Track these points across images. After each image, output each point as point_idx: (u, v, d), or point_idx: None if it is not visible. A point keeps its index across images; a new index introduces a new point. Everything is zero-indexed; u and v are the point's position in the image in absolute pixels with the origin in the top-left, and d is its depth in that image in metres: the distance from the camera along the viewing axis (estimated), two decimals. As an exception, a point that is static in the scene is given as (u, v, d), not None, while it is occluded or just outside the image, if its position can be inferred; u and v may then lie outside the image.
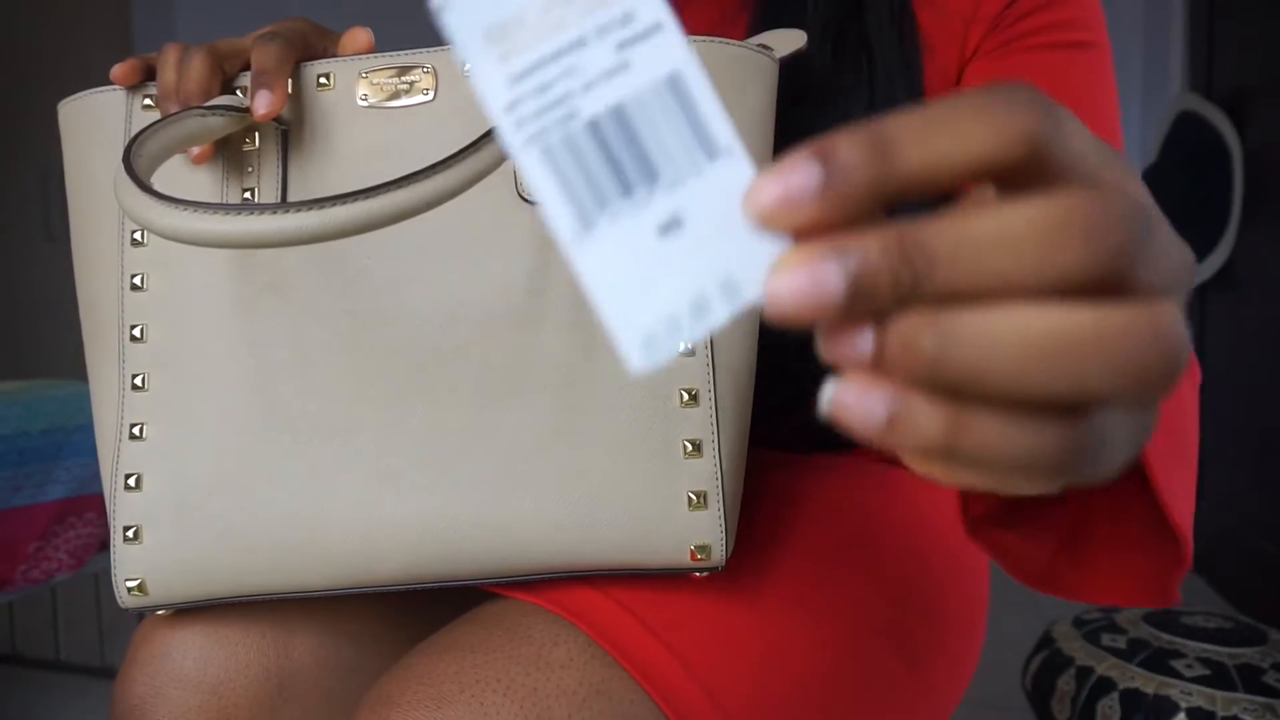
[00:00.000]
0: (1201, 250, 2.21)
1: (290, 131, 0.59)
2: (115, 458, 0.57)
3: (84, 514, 1.27)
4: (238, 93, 0.59)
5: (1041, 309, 0.23)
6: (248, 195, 0.59)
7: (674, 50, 0.25)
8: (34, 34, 1.84)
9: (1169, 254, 0.25)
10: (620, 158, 0.25)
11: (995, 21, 0.69)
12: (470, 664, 0.53)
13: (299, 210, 0.44)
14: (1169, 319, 0.24)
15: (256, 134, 0.59)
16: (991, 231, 0.24)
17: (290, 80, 0.58)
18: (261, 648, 0.63)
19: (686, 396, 0.56)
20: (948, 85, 0.70)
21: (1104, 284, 0.24)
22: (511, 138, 0.25)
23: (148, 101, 0.60)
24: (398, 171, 0.51)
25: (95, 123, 0.60)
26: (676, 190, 0.25)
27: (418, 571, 0.57)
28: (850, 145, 0.24)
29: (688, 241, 0.25)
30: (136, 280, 0.58)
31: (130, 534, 0.56)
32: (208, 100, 0.57)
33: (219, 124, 0.56)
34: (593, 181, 0.25)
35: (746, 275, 0.25)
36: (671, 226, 0.25)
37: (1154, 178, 2.29)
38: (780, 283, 0.24)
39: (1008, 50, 0.69)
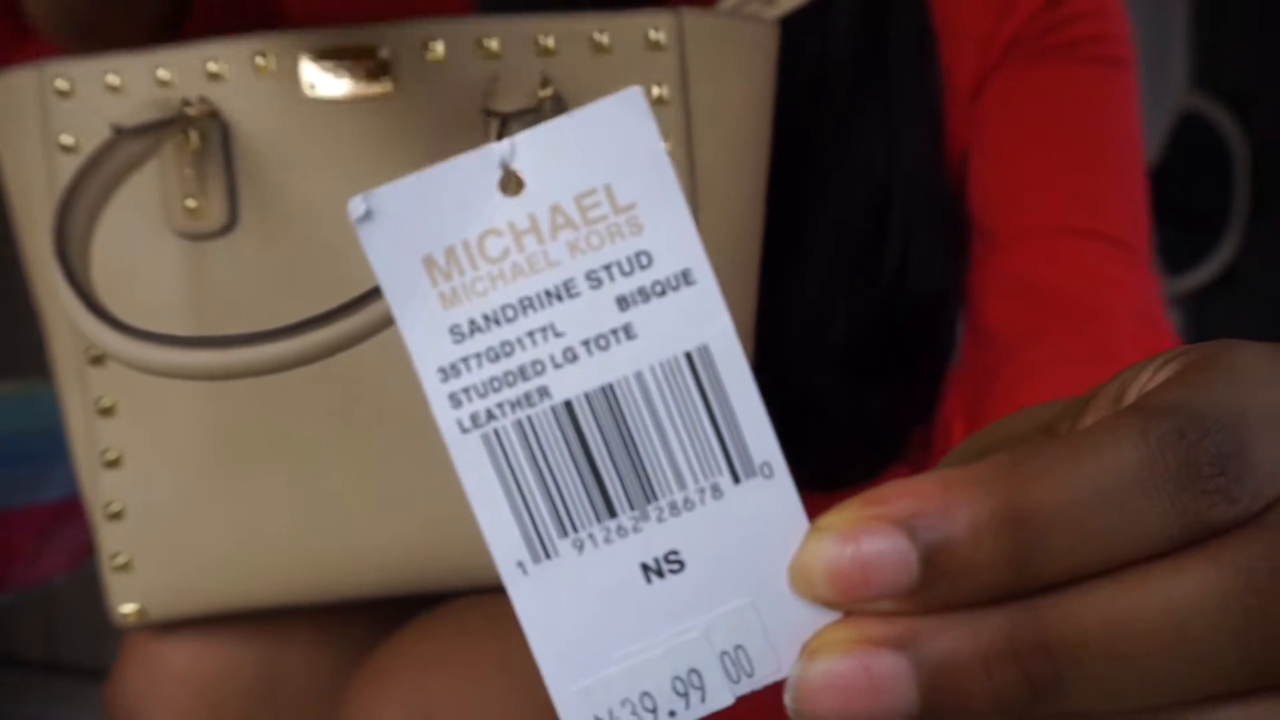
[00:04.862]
0: (1203, 252, 2.13)
1: (231, 127, 0.49)
2: (94, 485, 0.53)
3: (81, 515, 1.22)
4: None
5: None
6: (191, 206, 0.48)
7: (706, 315, 0.16)
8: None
9: None
10: (602, 463, 0.16)
11: (1020, 33, 0.62)
12: (468, 631, 0.50)
13: (273, 340, 0.37)
14: None
15: (194, 132, 0.48)
16: (1159, 623, 0.15)
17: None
18: (254, 647, 0.59)
19: None
20: (964, 111, 0.63)
21: None
22: (445, 416, 0.16)
23: (62, 85, 0.48)
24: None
25: (9, 110, 0.49)
26: (679, 518, 0.16)
27: (412, 581, 0.53)
28: (978, 534, 0.15)
29: (683, 591, 0.16)
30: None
31: (119, 563, 0.53)
32: None
33: (153, 144, 0.46)
34: (555, 492, 0.16)
35: (764, 647, 0.16)
36: (663, 567, 0.16)
37: (1155, 178, 2.22)
38: (817, 675, 0.15)
39: (1044, 59, 0.61)
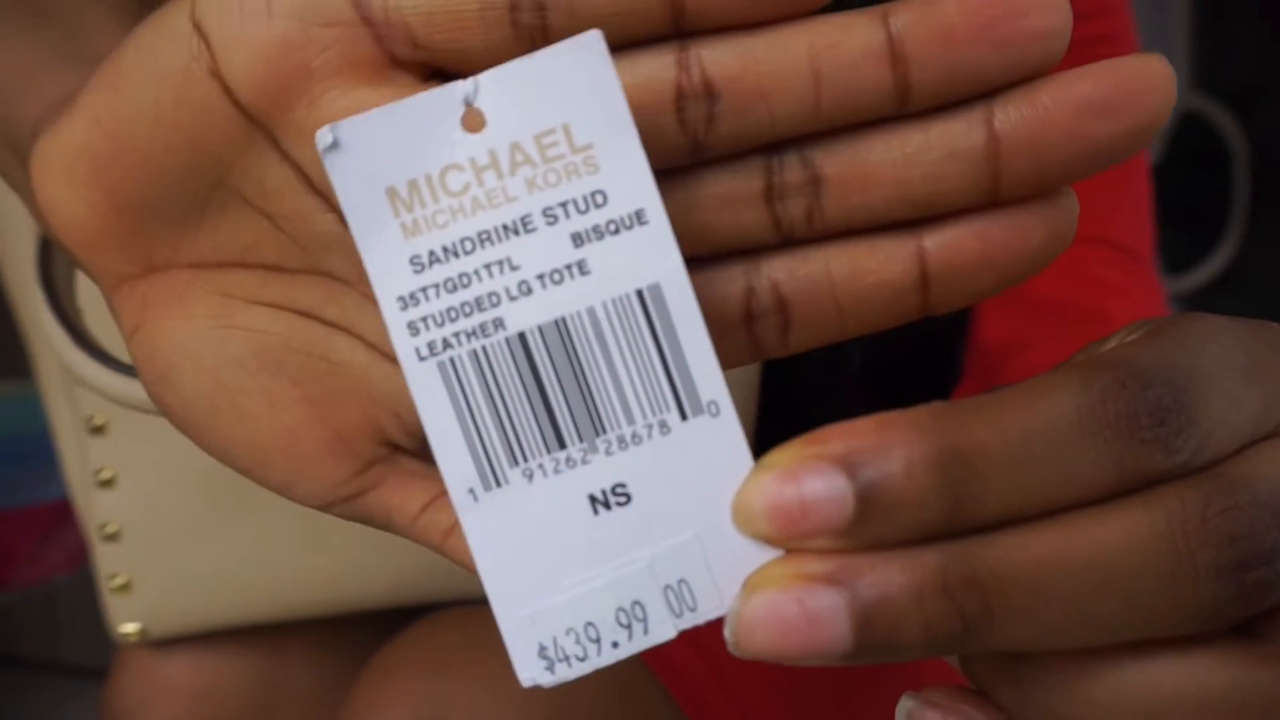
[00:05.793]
0: (1203, 252, 2.12)
1: None
2: (88, 506, 0.51)
3: (82, 515, 1.21)
4: None
5: None
6: None
7: (658, 254, 0.17)
8: None
9: None
10: (553, 394, 0.17)
11: None
12: (476, 632, 0.48)
13: None
14: None
15: None
16: (1088, 562, 0.16)
17: None
18: (252, 657, 0.58)
19: None
20: None
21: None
22: (403, 344, 0.17)
23: None
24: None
25: None
26: (627, 452, 0.17)
27: (413, 593, 0.53)
28: (912, 472, 0.15)
29: (629, 524, 0.17)
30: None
31: (117, 584, 0.51)
32: None
33: None
34: (507, 421, 0.17)
35: (707, 582, 0.17)
36: (610, 500, 0.17)
37: (1155, 178, 2.20)
38: (755, 610, 0.16)
39: None
